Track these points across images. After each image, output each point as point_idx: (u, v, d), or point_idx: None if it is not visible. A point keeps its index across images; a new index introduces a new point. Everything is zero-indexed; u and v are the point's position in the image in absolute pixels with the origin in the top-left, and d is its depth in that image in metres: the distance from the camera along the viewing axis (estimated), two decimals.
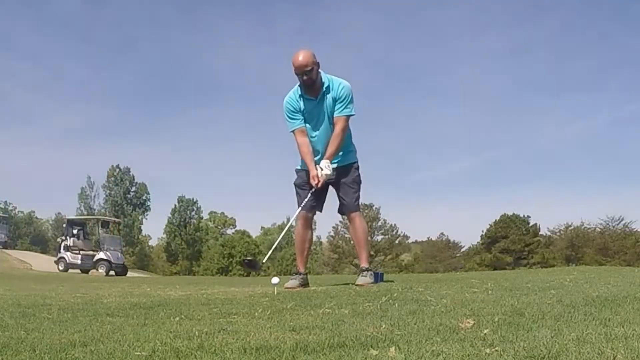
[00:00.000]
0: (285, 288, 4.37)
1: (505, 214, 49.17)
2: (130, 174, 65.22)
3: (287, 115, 4.52)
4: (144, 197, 65.82)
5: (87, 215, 51.67)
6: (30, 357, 1.73)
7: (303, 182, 4.58)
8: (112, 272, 22.97)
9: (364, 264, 4.59)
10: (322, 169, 4.43)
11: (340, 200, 4.62)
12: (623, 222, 45.59)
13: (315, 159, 4.52)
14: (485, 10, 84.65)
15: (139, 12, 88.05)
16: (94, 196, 64.70)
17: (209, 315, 2.70)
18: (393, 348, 1.68)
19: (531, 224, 48.53)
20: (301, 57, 4.34)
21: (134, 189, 65.25)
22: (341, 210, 4.65)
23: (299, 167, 4.67)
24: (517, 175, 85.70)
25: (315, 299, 3.23)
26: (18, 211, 76.55)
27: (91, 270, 23.01)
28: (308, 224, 4.66)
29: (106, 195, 63.84)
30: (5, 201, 74.43)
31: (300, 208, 4.52)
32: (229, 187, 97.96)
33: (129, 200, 64.28)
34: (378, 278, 4.80)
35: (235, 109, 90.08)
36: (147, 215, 66.06)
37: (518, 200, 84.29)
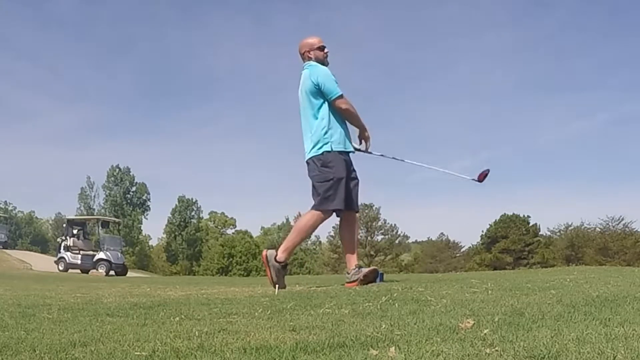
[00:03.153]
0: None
1: (505, 214, 49.20)
2: (130, 174, 65.29)
3: (334, 80, 4.38)
4: (144, 197, 65.84)
5: (87, 215, 51.66)
6: (30, 357, 1.73)
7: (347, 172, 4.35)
8: (112, 272, 22.97)
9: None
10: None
11: None
12: (623, 222, 45.58)
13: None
14: (485, 9, 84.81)
15: (137, 11, 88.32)
16: (94, 196, 64.81)
17: (209, 315, 2.70)
18: (393, 348, 1.68)
19: (531, 224, 48.52)
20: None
21: (134, 189, 65.27)
22: None
23: (329, 150, 4.32)
24: (517, 175, 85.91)
25: (315, 299, 3.22)
26: (18, 211, 76.65)
27: (91, 270, 23.01)
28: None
29: (106, 195, 63.91)
30: (5, 201, 74.58)
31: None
32: (229, 187, 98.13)
33: (129, 200, 64.27)
34: (379, 278, 4.80)
35: (234, 108, 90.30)
36: (147, 215, 66.15)
37: (518, 200, 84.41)
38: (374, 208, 52.16)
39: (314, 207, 4.34)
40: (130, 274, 25.10)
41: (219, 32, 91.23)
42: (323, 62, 4.52)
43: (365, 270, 4.37)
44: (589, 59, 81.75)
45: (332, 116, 4.38)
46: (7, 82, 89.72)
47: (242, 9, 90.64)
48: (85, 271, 22.95)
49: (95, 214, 55.65)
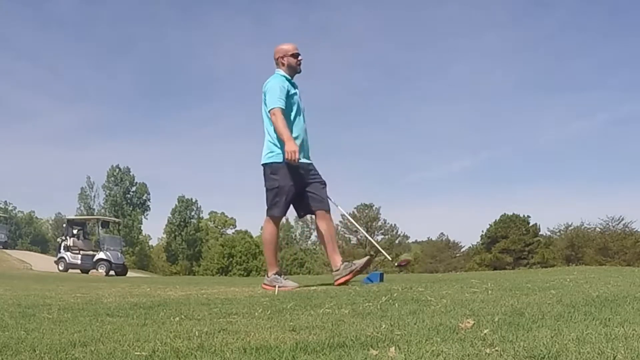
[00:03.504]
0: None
1: (505, 214, 49.16)
2: (130, 174, 65.24)
3: (281, 92, 4.40)
4: (144, 197, 65.80)
5: (87, 215, 51.64)
6: (30, 357, 1.73)
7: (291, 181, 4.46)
8: (112, 272, 22.93)
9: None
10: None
11: None
12: (623, 222, 45.53)
13: (300, 138, 4.48)
14: (484, 9, 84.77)
15: (137, 11, 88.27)
16: (94, 196, 64.77)
17: (209, 315, 2.70)
18: (393, 348, 1.68)
19: (531, 224, 48.49)
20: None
21: (134, 189, 65.23)
22: None
23: (279, 161, 4.43)
24: (517, 175, 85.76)
25: (315, 299, 3.23)
26: (18, 211, 76.58)
27: (91, 270, 22.98)
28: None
29: (106, 195, 63.86)
30: (5, 201, 74.51)
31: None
32: (229, 187, 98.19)
33: (129, 200, 64.24)
34: (379, 278, 4.81)
35: (234, 108, 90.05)
36: (147, 215, 66.10)
37: (518, 200, 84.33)
38: (374, 208, 52.17)
39: (267, 213, 4.54)
40: (130, 274, 25.07)
41: (219, 32, 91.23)
42: (295, 69, 4.59)
43: (358, 262, 4.48)
44: (589, 59, 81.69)
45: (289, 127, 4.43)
46: (7, 82, 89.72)
47: (242, 9, 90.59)
48: (85, 271, 22.92)
49: (95, 214, 55.59)
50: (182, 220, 64.58)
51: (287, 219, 68.66)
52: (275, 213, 4.49)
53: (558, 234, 49.07)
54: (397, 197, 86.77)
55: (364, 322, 2.25)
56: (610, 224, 45.98)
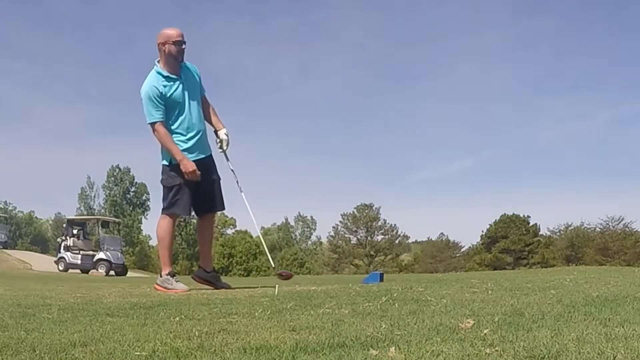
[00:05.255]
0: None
1: (505, 214, 49.22)
2: (130, 174, 65.21)
3: (154, 102, 4.29)
4: (143, 197, 65.75)
5: (87, 215, 51.62)
6: (30, 357, 1.73)
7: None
8: (112, 272, 22.97)
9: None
10: (226, 135, 4.53)
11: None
12: (623, 222, 45.65)
13: (191, 134, 4.34)
14: (484, 8, 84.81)
15: (136, 11, 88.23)
16: (94, 196, 64.76)
17: (209, 315, 2.70)
18: (393, 348, 1.68)
19: (531, 224, 48.55)
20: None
21: (133, 189, 65.19)
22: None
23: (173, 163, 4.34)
24: (517, 175, 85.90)
25: (315, 299, 3.23)
26: (18, 211, 76.62)
27: (91, 270, 23.01)
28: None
29: (106, 195, 63.83)
30: (5, 201, 74.54)
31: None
32: (229, 187, 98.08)
33: (128, 200, 64.22)
34: (379, 278, 4.81)
35: (233, 108, 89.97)
36: (147, 215, 66.03)
37: (518, 200, 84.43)
38: (374, 208, 52.16)
39: (162, 211, 4.45)
40: (130, 274, 25.11)
41: (218, 32, 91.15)
42: (176, 57, 4.33)
43: (221, 283, 4.59)
44: (589, 58, 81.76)
45: (175, 127, 4.34)
46: (6, 82, 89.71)
47: (241, 8, 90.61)
48: (85, 271, 22.95)
49: (95, 214, 55.58)
50: (182, 220, 64.51)
51: (286, 219, 68.66)
52: (176, 211, 4.40)
53: (558, 234, 49.14)
54: (397, 197, 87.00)
55: (364, 322, 2.25)
56: (610, 224, 46.08)
